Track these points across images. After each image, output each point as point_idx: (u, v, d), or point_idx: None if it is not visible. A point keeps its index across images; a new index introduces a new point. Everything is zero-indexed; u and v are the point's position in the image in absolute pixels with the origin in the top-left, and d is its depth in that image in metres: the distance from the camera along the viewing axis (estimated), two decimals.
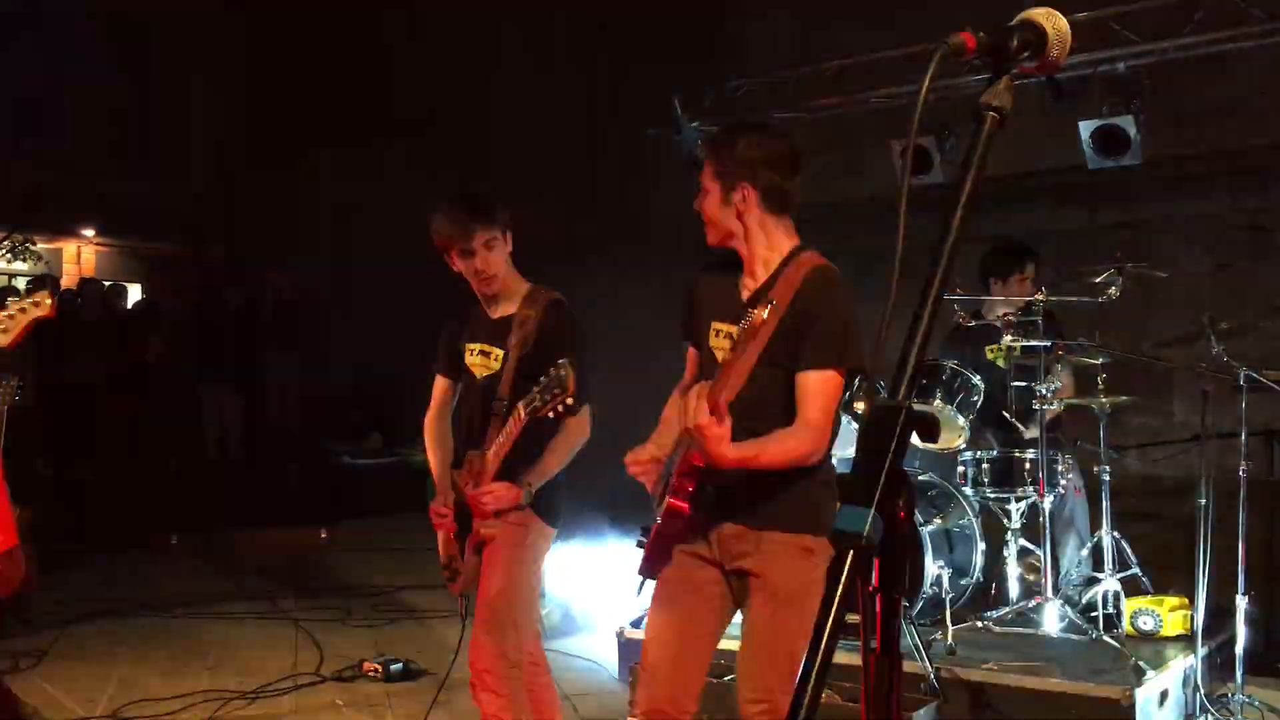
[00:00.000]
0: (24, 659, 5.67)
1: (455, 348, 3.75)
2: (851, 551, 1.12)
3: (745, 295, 2.95)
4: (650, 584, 3.08)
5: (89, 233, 18.62)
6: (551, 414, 3.25)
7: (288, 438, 13.15)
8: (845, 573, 1.10)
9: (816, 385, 2.77)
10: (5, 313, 3.04)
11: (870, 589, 1.16)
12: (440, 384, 3.84)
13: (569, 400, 3.20)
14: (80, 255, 19.13)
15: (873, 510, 1.12)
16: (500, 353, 3.58)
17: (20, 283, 13.39)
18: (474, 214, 3.58)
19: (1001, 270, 5.59)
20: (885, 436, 1.15)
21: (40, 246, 16.85)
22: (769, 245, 2.94)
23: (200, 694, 5.14)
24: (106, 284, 14.60)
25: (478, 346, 3.67)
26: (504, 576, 3.51)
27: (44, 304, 3.05)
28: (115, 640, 6.11)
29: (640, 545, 3.05)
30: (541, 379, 3.24)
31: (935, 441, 5.06)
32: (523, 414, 3.31)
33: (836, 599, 1.09)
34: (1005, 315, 5.15)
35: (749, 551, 2.87)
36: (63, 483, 10.43)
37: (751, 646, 2.90)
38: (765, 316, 2.67)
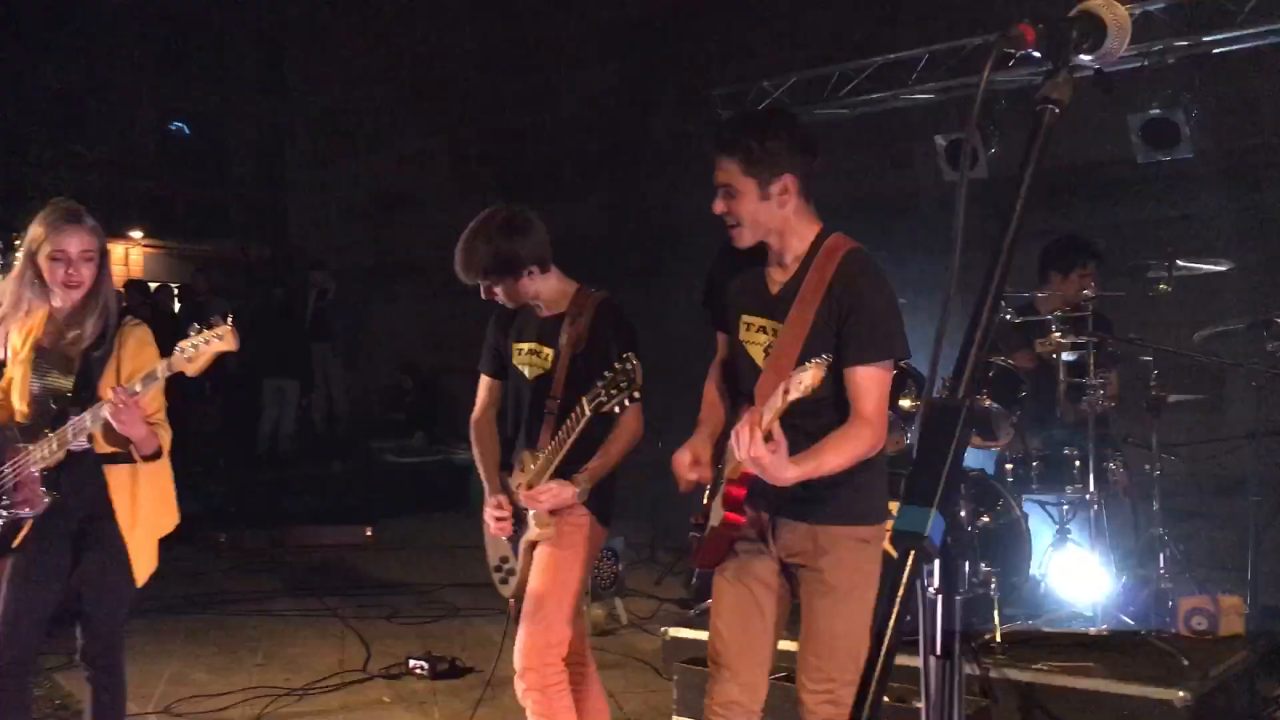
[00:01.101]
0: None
1: (502, 347, 3.72)
2: (912, 553, 1.10)
3: (775, 289, 2.91)
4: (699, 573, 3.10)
5: (137, 234, 18.87)
6: (617, 409, 3.23)
7: (332, 436, 13.28)
8: (906, 574, 1.09)
9: (869, 380, 2.75)
10: (190, 342, 3.19)
11: (931, 590, 1.15)
12: (486, 384, 3.80)
13: (636, 394, 3.20)
14: (128, 257, 19.40)
15: (934, 511, 1.11)
16: (551, 352, 3.56)
17: None
18: (481, 272, 3.52)
19: (1064, 265, 5.45)
20: (946, 436, 1.13)
21: None
22: (799, 235, 2.89)
23: (250, 690, 5.19)
24: (153, 285, 14.80)
25: (527, 346, 3.64)
26: (554, 576, 3.50)
27: (227, 338, 3.19)
28: (166, 637, 6.18)
29: (693, 537, 3.04)
30: (607, 374, 3.22)
31: (996, 441, 5.00)
32: (587, 409, 3.27)
33: (899, 600, 1.07)
34: (1054, 311, 5.08)
35: (806, 546, 2.87)
36: None
37: (812, 638, 2.89)
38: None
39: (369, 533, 8.98)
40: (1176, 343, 5.29)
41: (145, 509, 3.51)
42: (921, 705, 1.16)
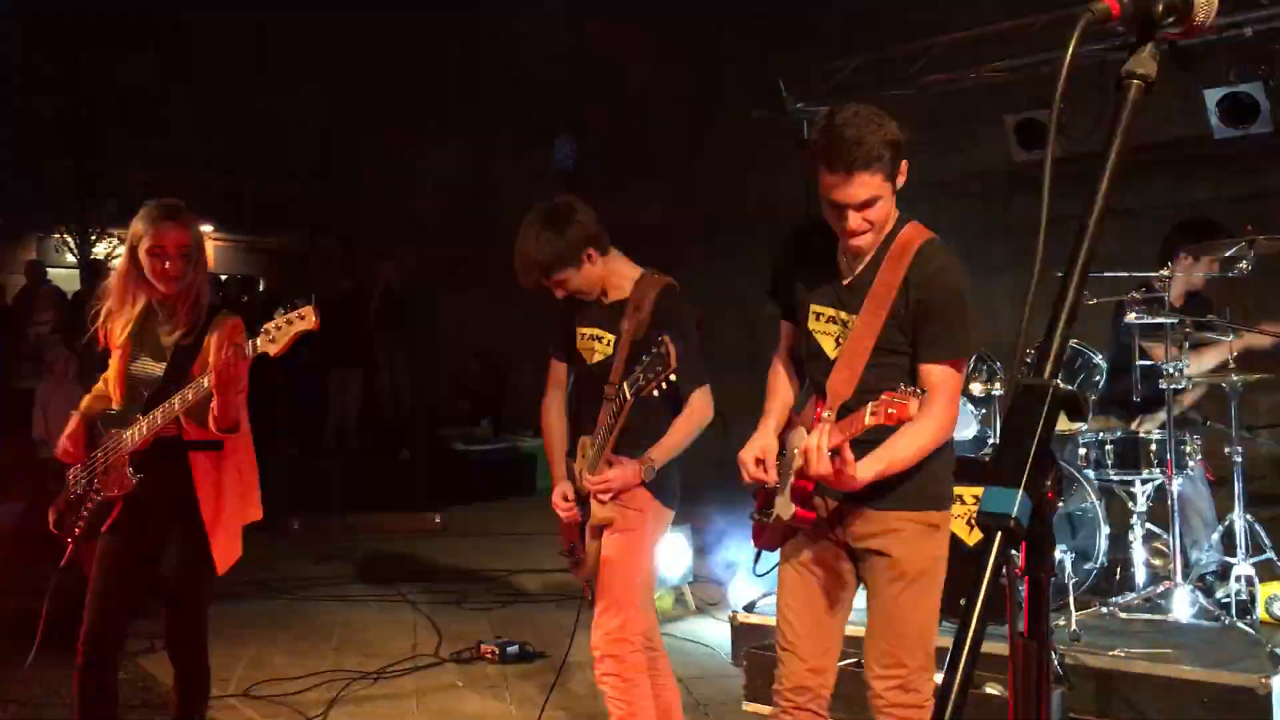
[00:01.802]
0: (159, 640, 5.87)
1: (568, 331, 3.74)
2: (1000, 534, 1.09)
3: (847, 279, 2.87)
4: (765, 556, 3.09)
5: (207, 228, 19.23)
6: (656, 391, 3.25)
7: (401, 425, 13.43)
8: (994, 556, 1.07)
9: (942, 377, 2.74)
10: (273, 324, 3.28)
11: (1018, 572, 1.13)
12: (556, 367, 3.83)
13: (672, 376, 3.21)
14: None
15: (1020, 491, 1.09)
16: (612, 338, 3.58)
17: None
18: (533, 269, 3.53)
19: (1199, 248, 5.29)
20: (1032, 416, 1.12)
21: None
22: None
23: (326, 674, 5.28)
24: (224, 277, 15.06)
25: (589, 331, 3.65)
26: (623, 561, 3.52)
27: (309, 318, 3.26)
28: (244, 622, 6.31)
29: (756, 520, 3.05)
30: (644, 357, 3.26)
31: (1084, 420, 4.92)
32: (627, 394, 3.31)
33: (986, 582, 1.06)
34: (1179, 294, 4.95)
35: (875, 532, 2.85)
36: None
37: (881, 624, 2.88)
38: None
39: (438, 520, 9.09)
40: (1257, 322, 5.16)
41: (229, 497, 3.59)
42: (1009, 689, 1.15)
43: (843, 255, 2.89)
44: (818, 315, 2.93)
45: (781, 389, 3.11)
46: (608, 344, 3.59)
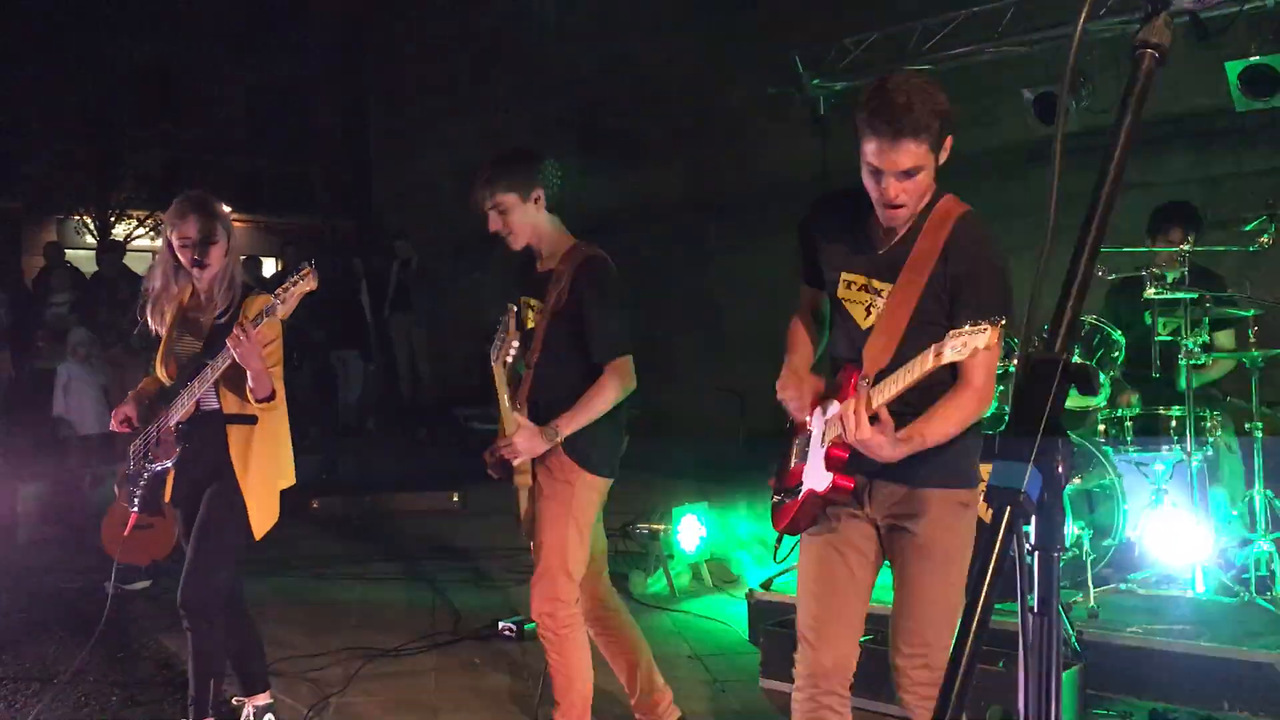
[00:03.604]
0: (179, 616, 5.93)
1: (514, 297, 3.93)
2: (1009, 508, 1.08)
3: (881, 249, 2.84)
4: (786, 541, 3.06)
5: (225, 209, 19.31)
6: (507, 359, 3.55)
7: (418, 405, 13.48)
8: (1003, 530, 1.07)
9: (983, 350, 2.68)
10: (281, 288, 3.55)
11: (1028, 547, 1.13)
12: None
13: (514, 343, 3.53)
14: None
15: (1030, 465, 1.08)
16: (540, 305, 3.77)
17: None
18: (480, 184, 3.73)
19: (1168, 230, 5.28)
20: (1043, 390, 1.11)
21: None
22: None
23: (345, 651, 5.32)
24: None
25: (526, 300, 3.87)
26: (552, 530, 3.73)
27: (309, 279, 3.53)
28: (263, 599, 6.32)
29: (780, 501, 3.01)
30: (496, 325, 3.55)
31: (1095, 395, 4.89)
32: (492, 362, 3.58)
33: (995, 557, 1.06)
34: (1152, 269, 4.93)
35: (904, 509, 2.82)
36: None
37: (907, 602, 2.85)
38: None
39: (456, 498, 9.11)
40: (1279, 297, 5.11)
41: (259, 461, 3.86)
42: (1020, 664, 1.15)
43: (876, 224, 2.84)
44: (849, 284, 2.89)
45: (801, 343, 3.08)
46: (537, 310, 3.78)
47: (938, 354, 2.44)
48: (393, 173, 17.32)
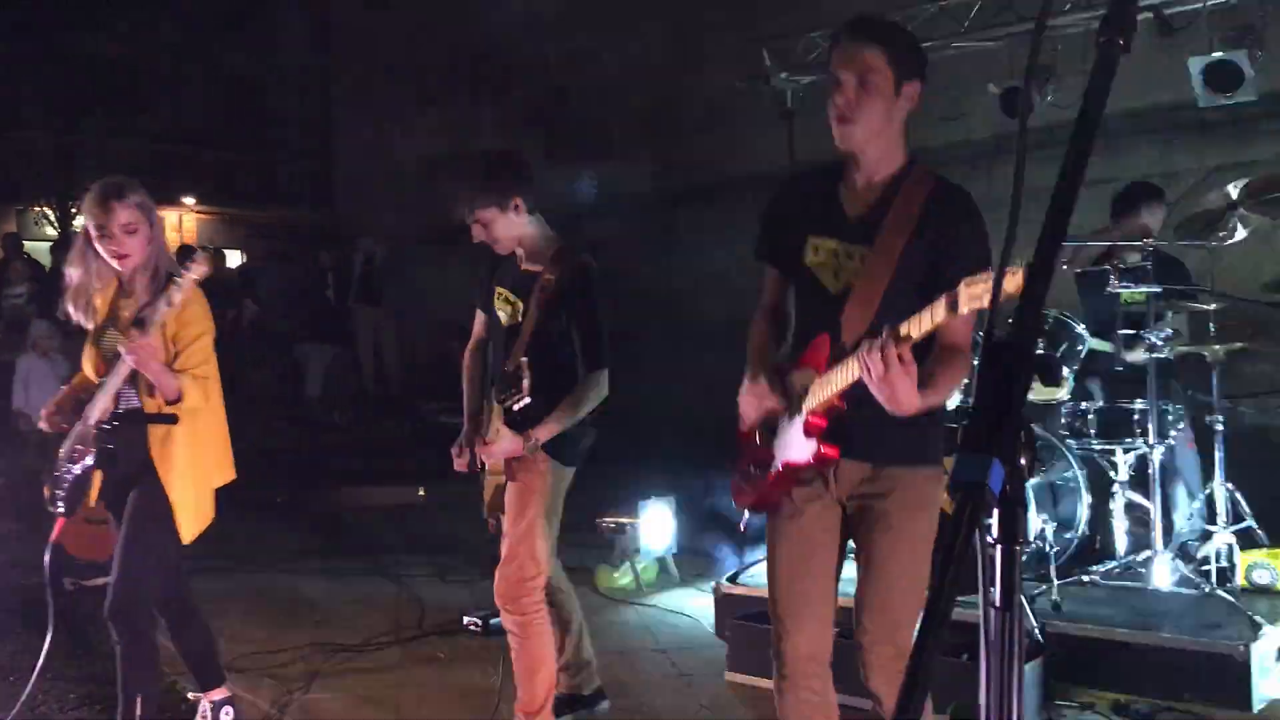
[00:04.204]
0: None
1: (489, 286, 3.96)
2: (970, 501, 1.06)
3: (853, 212, 2.79)
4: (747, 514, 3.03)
5: (189, 201, 19.08)
6: (515, 408, 3.62)
7: (384, 399, 13.39)
8: (964, 524, 1.05)
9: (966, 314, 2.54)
10: (175, 283, 3.43)
11: (990, 541, 1.11)
12: (479, 318, 4.11)
13: (526, 400, 3.59)
14: (182, 223, 19.63)
15: (992, 458, 1.07)
16: (522, 305, 3.79)
17: None
18: (461, 200, 3.77)
19: (1130, 205, 5.35)
20: (1006, 381, 1.09)
21: None
22: (893, 157, 2.78)
23: (309, 647, 5.26)
24: (200, 249, 14.99)
25: (505, 292, 3.87)
26: (520, 515, 3.80)
27: (201, 265, 3.46)
28: (225, 595, 6.29)
29: (751, 475, 2.93)
30: (505, 375, 3.62)
31: (1059, 385, 4.90)
32: (495, 400, 3.68)
33: (956, 551, 1.04)
34: (1115, 262, 4.97)
35: (872, 488, 2.78)
36: None
37: (876, 581, 2.79)
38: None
39: (422, 493, 9.06)
40: (1241, 290, 5.15)
41: (183, 460, 3.64)
42: (981, 660, 1.13)
43: (850, 190, 2.81)
44: (816, 249, 2.83)
45: (766, 343, 3.00)
46: (518, 310, 3.81)
47: (952, 303, 2.32)
48: (359, 165, 17.20)
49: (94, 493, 3.69)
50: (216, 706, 4.02)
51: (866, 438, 2.69)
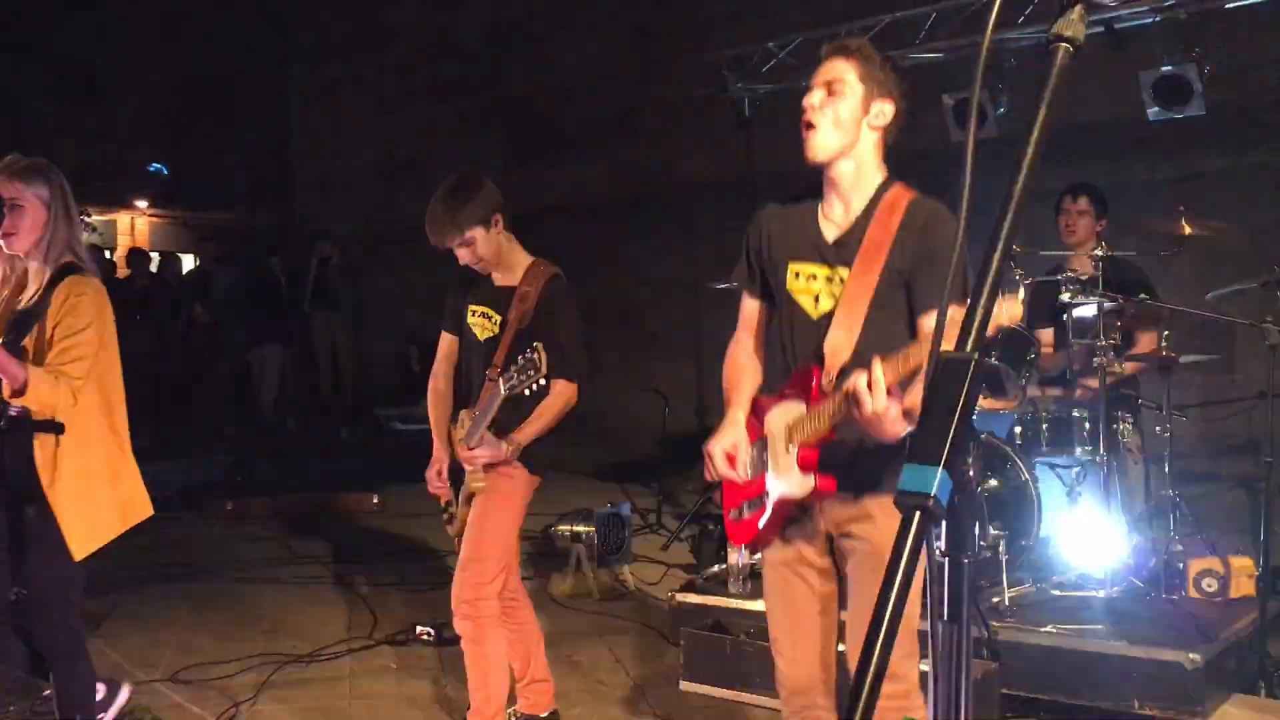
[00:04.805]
0: (83, 623, 5.75)
1: (459, 307, 4.01)
2: (918, 513, 1.05)
3: (832, 236, 2.78)
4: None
5: (142, 204, 18.84)
6: (527, 392, 3.58)
7: (339, 404, 13.27)
8: (912, 537, 1.04)
9: (948, 326, 2.58)
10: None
11: (938, 553, 1.10)
12: (446, 340, 4.12)
13: (542, 380, 3.54)
14: (134, 226, 19.37)
15: (940, 469, 1.06)
16: (500, 319, 3.85)
17: None
18: (441, 225, 3.76)
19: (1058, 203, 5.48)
20: (953, 392, 1.08)
21: (95, 218, 17.06)
22: (868, 177, 2.77)
23: (257, 657, 5.18)
24: (154, 254, 14.79)
25: (480, 308, 3.93)
26: (487, 519, 3.84)
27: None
28: (172, 604, 6.19)
29: (732, 519, 2.92)
30: (519, 359, 3.56)
31: (1006, 396, 4.94)
32: (502, 389, 3.62)
33: (903, 564, 1.03)
34: (1074, 267, 5.02)
35: (854, 517, 2.75)
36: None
37: (863, 610, 2.77)
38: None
39: (375, 500, 8.98)
40: (1189, 302, 5.22)
41: (70, 472, 3.36)
42: (930, 672, 1.12)
43: (827, 212, 2.81)
44: (796, 274, 2.81)
45: (747, 378, 2.96)
46: (495, 323, 3.86)
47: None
48: (315, 168, 17.06)
49: None
50: None
51: (848, 468, 2.68)
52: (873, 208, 2.75)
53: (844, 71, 2.71)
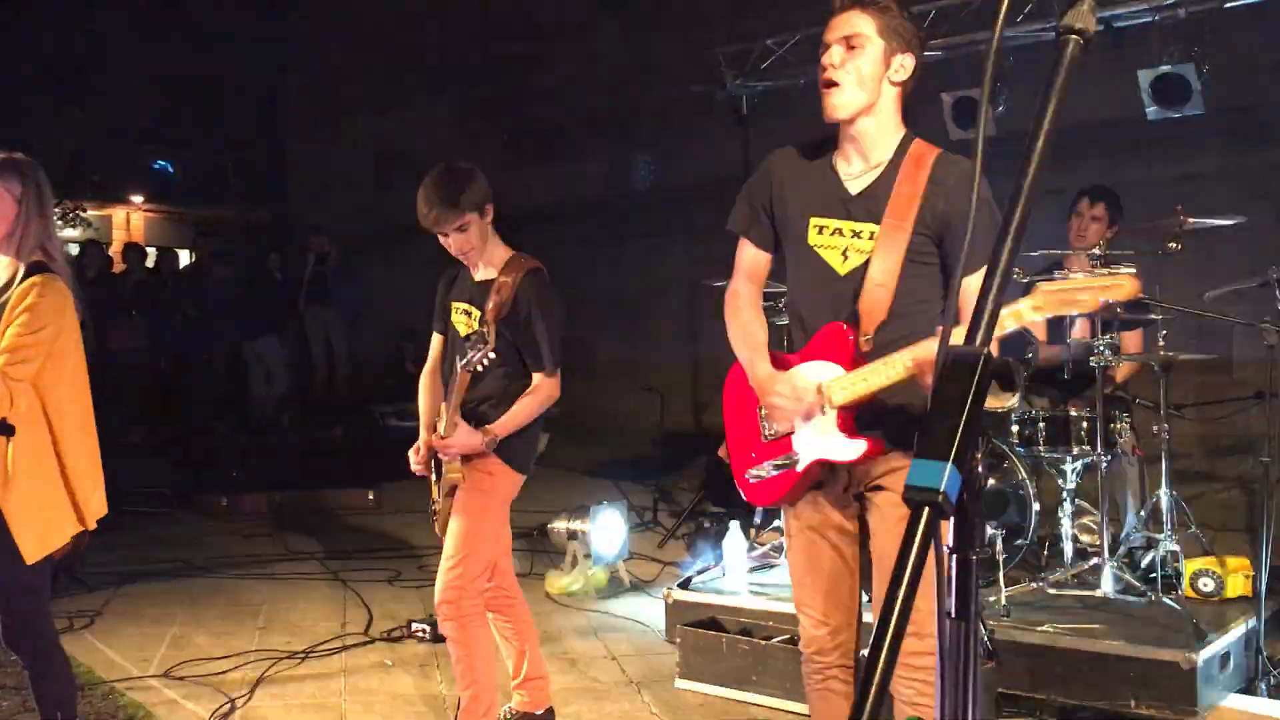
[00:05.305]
0: (77, 619, 5.74)
1: (445, 304, 4.00)
2: (927, 509, 1.04)
3: (855, 189, 2.70)
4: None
5: (138, 199, 18.79)
6: (479, 367, 3.59)
7: (334, 401, 13.24)
8: (921, 532, 1.03)
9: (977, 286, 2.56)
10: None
11: (945, 549, 1.09)
12: (436, 340, 4.09)
13: (491, 354, 3.56)
14: (129, 221, 19.32)
15: (949, 465, 1.04)
16: (480, 314, 3.82)
17: (72, 249, 13.52)
18: (440, 207, 3.71)
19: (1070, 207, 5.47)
20: (963, 386, 1.07)
21: (90, 213, 17.01)
22: (889, 131, 2.70)
23: (252, 654, 5.17)
24: (150, 249, 14.75)
25: (462, 305, 3.92)
26: (468, 517, 3.79)
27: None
28: (167, 600, 6.17)
29: (766, 473, 2.83)
30: (471, 337, 3.60)
31: (1016, 391, 4.93)
32: (457, 368, 3.62)
33: (912, 559, 1.02)
34: (1065, 271, 5.02)
35: (886, 471, 2.70)
36: (116, 446, 10.56)
37: (886, 561, 2.71)
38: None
39: (371, 497, 8.96)
40: (1186, 301, 5.21)
41: (21, 474, 3.25)
42: (937, 670, 1.11)
43: (846, 166, 2.73)
44: (820, 229, 2.73)
45: (760, 330, 2.86)
46: (475, 319, 3.83)
47: (1017, 317, 2.31)
48: (309, 165, 17.02)
49: None
50: None
51: (879, 424, 2.63)
52: (898, 161, 2.68)
53: (863, 25, 2.64)
